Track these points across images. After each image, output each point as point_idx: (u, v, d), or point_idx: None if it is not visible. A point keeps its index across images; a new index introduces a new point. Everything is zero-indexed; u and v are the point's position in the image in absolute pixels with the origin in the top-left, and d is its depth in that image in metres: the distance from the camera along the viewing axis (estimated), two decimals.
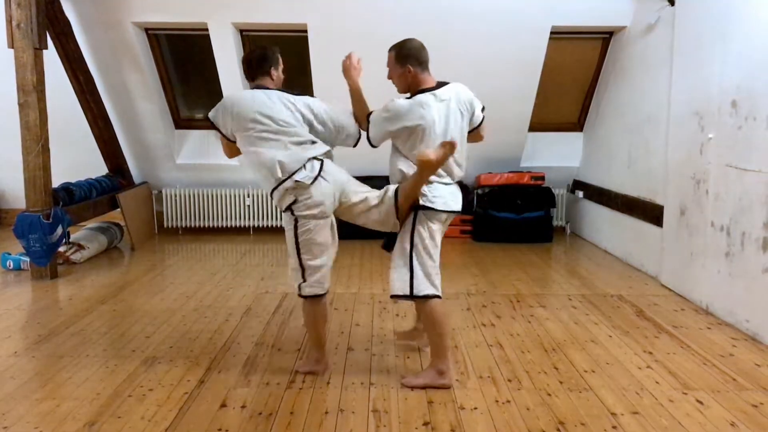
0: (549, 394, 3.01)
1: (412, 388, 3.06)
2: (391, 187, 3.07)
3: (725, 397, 2.99)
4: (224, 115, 3.10)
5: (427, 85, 3.08)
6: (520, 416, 2.79)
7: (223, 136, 3.19)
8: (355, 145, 3.27)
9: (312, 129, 3.10)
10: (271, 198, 3.08)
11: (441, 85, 3.10)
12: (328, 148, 3.13)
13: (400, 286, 3.05)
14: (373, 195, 3.13)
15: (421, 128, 2.97)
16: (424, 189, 3.00)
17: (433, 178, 3.00)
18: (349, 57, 3.26)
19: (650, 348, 3.64)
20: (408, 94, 3.10)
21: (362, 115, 3.17)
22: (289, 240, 3.08)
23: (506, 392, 3.04)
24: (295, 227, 3.03)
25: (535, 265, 5.80)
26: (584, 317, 4.21)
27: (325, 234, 3.09)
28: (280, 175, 2.95)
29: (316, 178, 2.97)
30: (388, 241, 3.21)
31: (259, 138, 3.00)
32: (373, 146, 3.17)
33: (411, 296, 3.03)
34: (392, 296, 3.11)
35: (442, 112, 3.02)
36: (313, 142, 3.06)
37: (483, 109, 3.26)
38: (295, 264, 3.09)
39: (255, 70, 3.17)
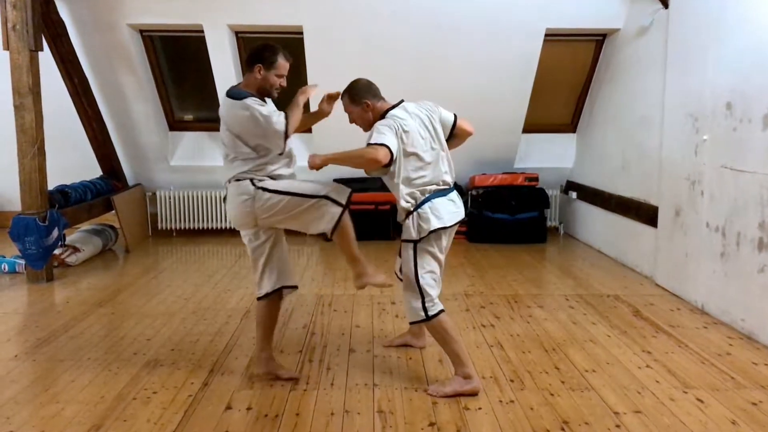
0: (552, 394, 3.04)
1: (442, 397, 3.02)
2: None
3: (725, 395, 3.04)
4: None
5: (387, 107, 3.15)
6: (524, 416, 2.82)
7: None
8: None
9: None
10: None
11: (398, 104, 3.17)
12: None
13: (414, 314, 3.09)
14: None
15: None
16: (415, 217, 3.03)
17: (426, 188, 3.05)
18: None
19: (648, 347, 3.68)
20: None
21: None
22: None
23: (509, 392, 3.07)
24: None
25: (530, 265, 5.84)
26: (582, 317, 4.25)
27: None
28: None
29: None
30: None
31: None
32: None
33: (428, 319, 3.07)
34: (411, 323, 3.26)
35: (416, 121, 3.09)
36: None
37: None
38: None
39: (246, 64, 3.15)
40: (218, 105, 6.73)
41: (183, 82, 6.89)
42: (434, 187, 3.08)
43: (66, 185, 5.92)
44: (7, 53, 4.89)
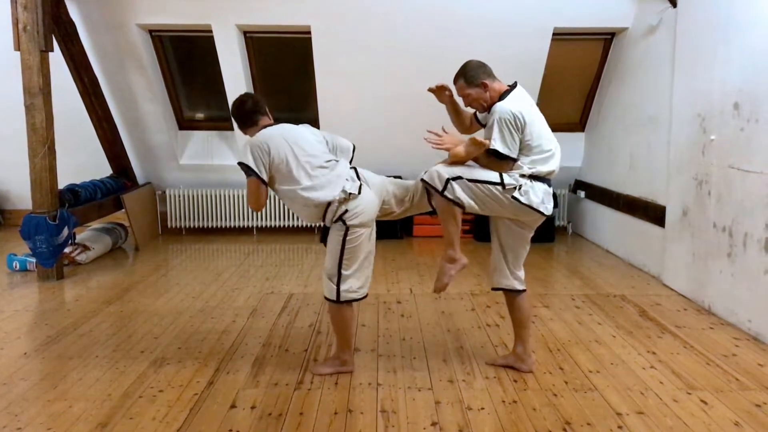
0: (555, 395, 3.05)
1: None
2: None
3: (729, 397, 3.03)
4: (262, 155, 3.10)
5: (504, 88, 3.17)
6: (526, 416, 2.83)
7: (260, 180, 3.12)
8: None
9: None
10: (323, 218, 3.16)
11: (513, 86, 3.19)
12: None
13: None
14: (411, 184, 3.38)
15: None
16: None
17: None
18: (442, 134, 3.17)
19: (654, 348, 3.68)
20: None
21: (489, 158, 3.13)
22: (334, 248, 3.13)
23: (512, 392, 3.08)
24: (344, 236, 3.09)
25: (537, 265, 5.83)
26: (588, 317, 4.25)
27: (369, 242, 3.22)
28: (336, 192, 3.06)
29: (360, 187, 3.11)
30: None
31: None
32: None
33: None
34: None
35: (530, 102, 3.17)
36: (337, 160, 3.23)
37: None
38: (332, 270, 3.16)
39: (253, 115, 3.25)
40: (227, 104, 6.76)
41: (192, 81, 6.93)
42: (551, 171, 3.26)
43: (76, 184, 5.98)
44: (18, 54, 4.95)
